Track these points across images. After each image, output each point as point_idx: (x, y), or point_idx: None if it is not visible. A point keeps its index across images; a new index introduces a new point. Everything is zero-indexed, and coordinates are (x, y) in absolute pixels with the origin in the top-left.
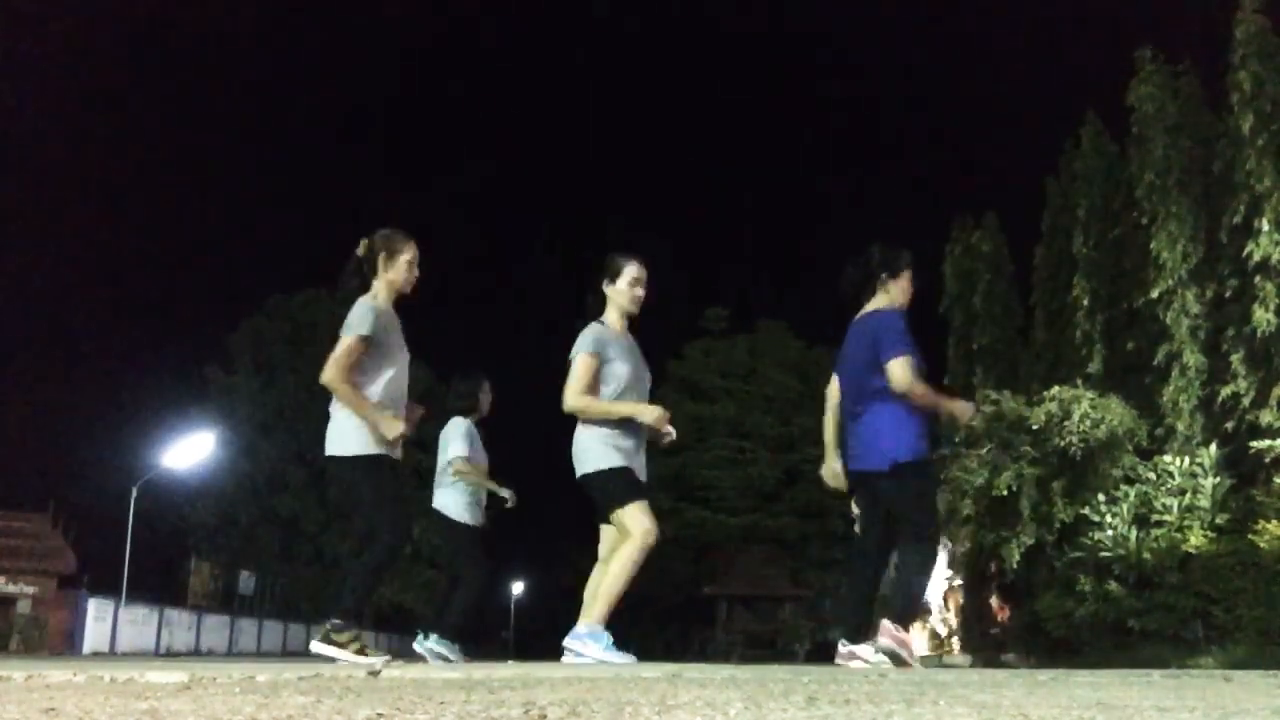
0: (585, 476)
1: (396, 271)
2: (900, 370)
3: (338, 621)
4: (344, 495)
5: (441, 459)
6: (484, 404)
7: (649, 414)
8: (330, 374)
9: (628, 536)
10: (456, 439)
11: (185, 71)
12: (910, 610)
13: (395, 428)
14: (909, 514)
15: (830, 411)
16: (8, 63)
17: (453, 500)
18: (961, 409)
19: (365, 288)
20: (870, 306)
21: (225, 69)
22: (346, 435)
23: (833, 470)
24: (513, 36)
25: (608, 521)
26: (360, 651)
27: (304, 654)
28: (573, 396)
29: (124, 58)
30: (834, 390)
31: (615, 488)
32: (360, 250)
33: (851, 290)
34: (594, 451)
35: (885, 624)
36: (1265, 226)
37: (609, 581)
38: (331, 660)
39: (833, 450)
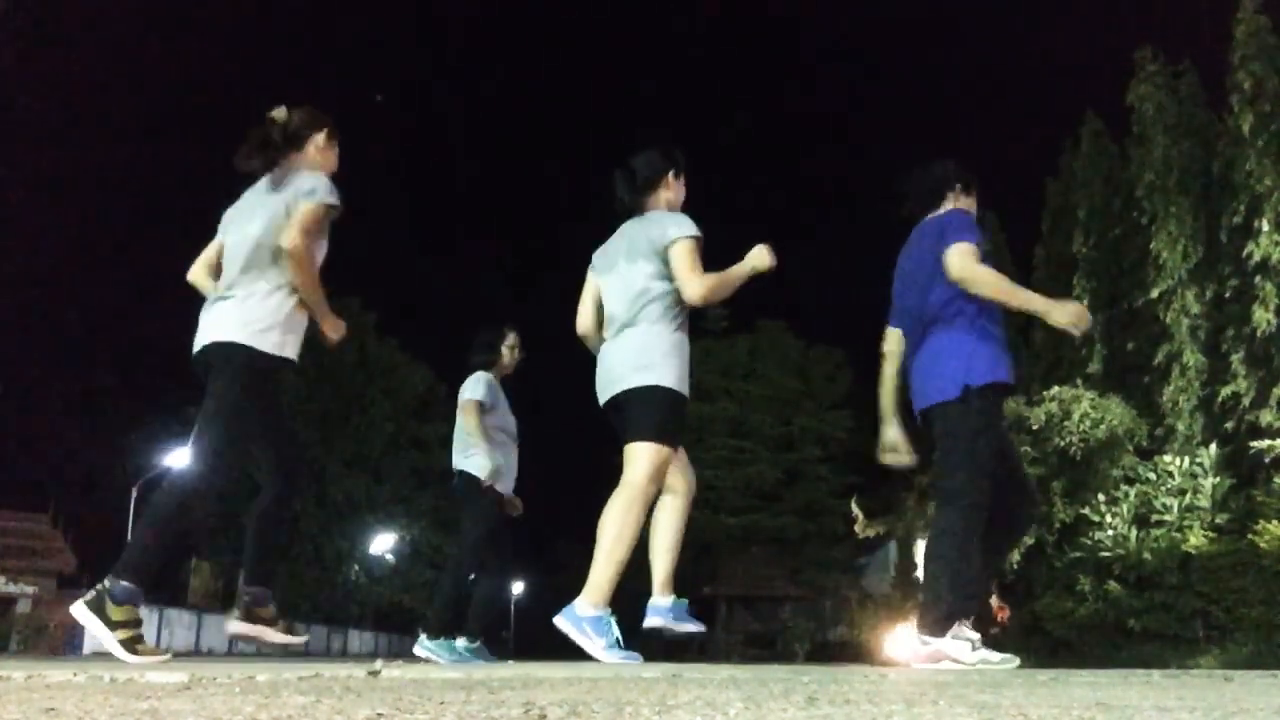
0: (655, 389)
1: (331, 159)
2: (958, 257)
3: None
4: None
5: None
6: (507, 358)
7: (762, 257)
8: (297, 240)
9: (640, 481)
10: (470, 386)
11: (187, 66)
12: (933, 610)
13: (339, 327)
14: (948, 462)
15: (890, 365)
16: (11, 56)
17: (477, 464)
18: (1065, 312)
19: (268, 169)
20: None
21: (226, 64)
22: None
23: (891, 440)
24: (513, 36)
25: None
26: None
27: (303, 654)
28: (698, 279)
29: (130, 49)
30: (893, 340)
31: (676, 421)
32: (280, 117)
33: (916, 202)
34: (674, 367)
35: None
36: (1265, 226)
37: (622, 546)
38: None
39: (891, 415)
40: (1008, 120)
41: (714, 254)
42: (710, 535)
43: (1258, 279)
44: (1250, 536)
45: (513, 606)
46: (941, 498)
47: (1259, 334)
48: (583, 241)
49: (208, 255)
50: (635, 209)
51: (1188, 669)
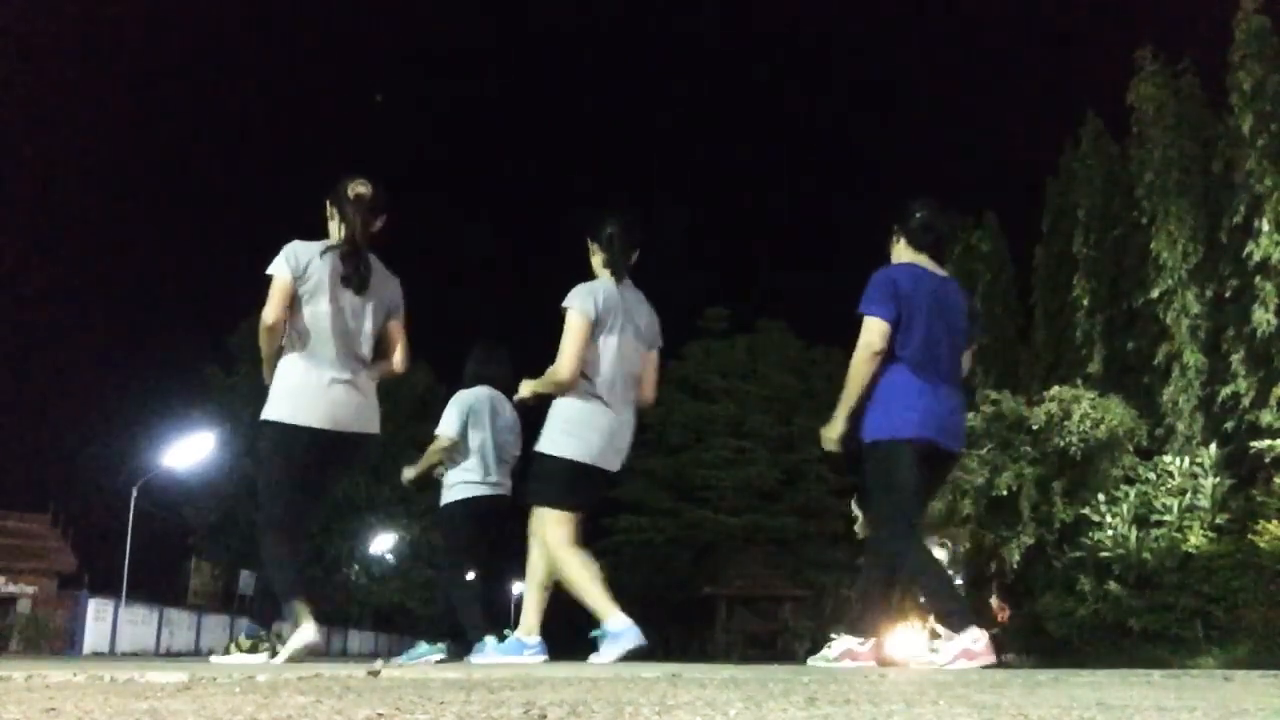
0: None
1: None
2: (971, 361)
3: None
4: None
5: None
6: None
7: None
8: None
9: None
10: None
11: (186, 69)
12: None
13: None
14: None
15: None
16: (8, 57)
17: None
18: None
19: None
20: (936, 268)
21: (226, 67)
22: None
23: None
24: (511, 38)
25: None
26: None
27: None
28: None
29: (126, 54)
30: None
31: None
32: (369, 196)
33: (942, 241)
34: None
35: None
36: (1265, 226)
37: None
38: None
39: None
40: (1008, 120)
41: (714, 252)
42: (710, 535)
43: (1258, 279)
44: (1250, 536)
45: (512, 607)
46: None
47: (1259, 334)
48: (582, 240)
49: (289, 304)
50: (624, 273)
51: (1188, 669)
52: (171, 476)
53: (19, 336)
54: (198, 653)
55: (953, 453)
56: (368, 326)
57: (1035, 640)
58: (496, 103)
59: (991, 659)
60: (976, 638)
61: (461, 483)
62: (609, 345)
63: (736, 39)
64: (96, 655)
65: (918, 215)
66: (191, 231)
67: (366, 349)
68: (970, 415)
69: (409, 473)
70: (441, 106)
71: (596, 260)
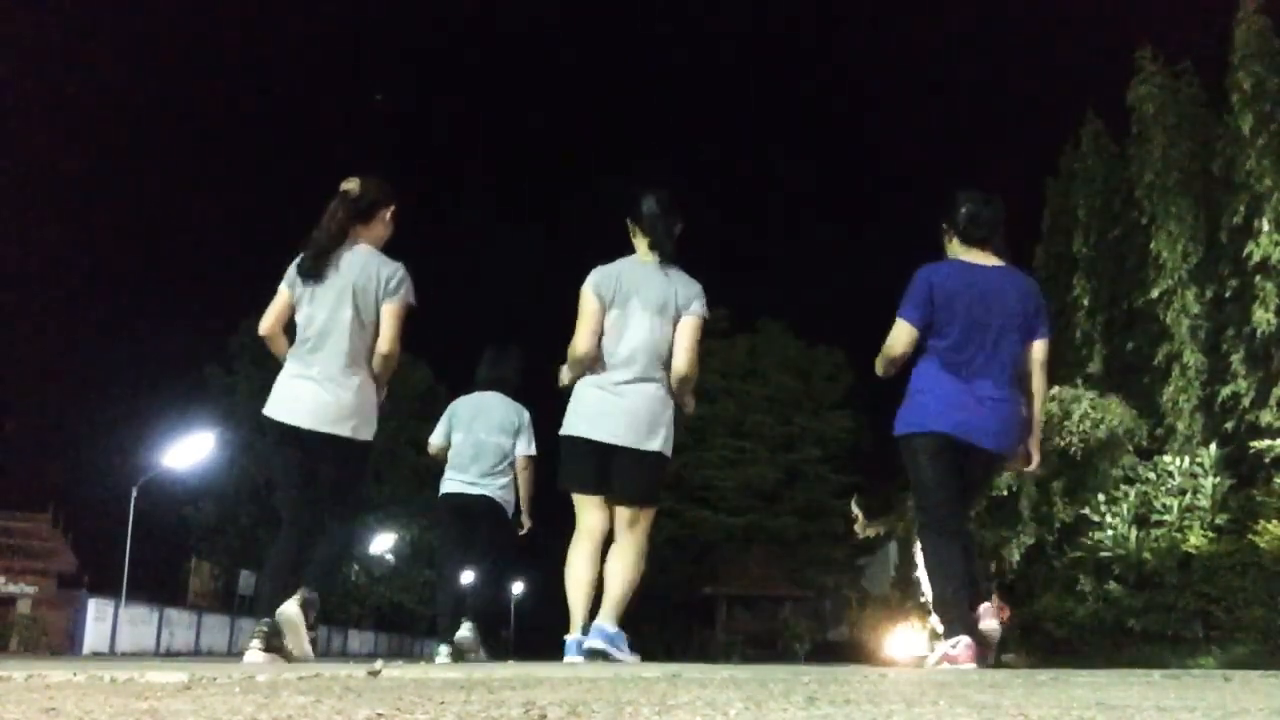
0: (665, 459)
1: (387, 228)
2: (1044, 353)
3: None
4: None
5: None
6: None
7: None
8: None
9: (643, 532)
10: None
11: (186, 69)
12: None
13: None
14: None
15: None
16: (7, 58)
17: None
18: None
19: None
20: (992, 260)
21: (225, 66)
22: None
23: None
24: (513, 38)
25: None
26: None
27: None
28: (694, 358)
29: (126, 52)
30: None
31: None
32: (354, 191)
33: (992, 232)
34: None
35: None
36: (1265, 226)
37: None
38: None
39: None
40: (1008, 120)
41: (711, 250)
42: (710, 535)
43: (1258, 279)
44: (1250, 536)
45: (512, 606)
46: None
47: (1259, 334)
48: (584, 241)
49: (281, 313)
50: (669, 251)
51: (1188, 669)
52: (171, 476)
53: (19, 336)
54: (198, 653)
55: (986, 450)
56: (345, 316)
57: (1035, 640)
58: (503, 101)
59: (970, 665)
60: (955, 643)
61: (445, 480)
62: (622, 321)
63: (736, 39)
64: (96, 655)
65: (964, 210)
66: (192, 231)
67: (343, 343)
68: None
69: None
70: (441, 106)
71: (639, 242)
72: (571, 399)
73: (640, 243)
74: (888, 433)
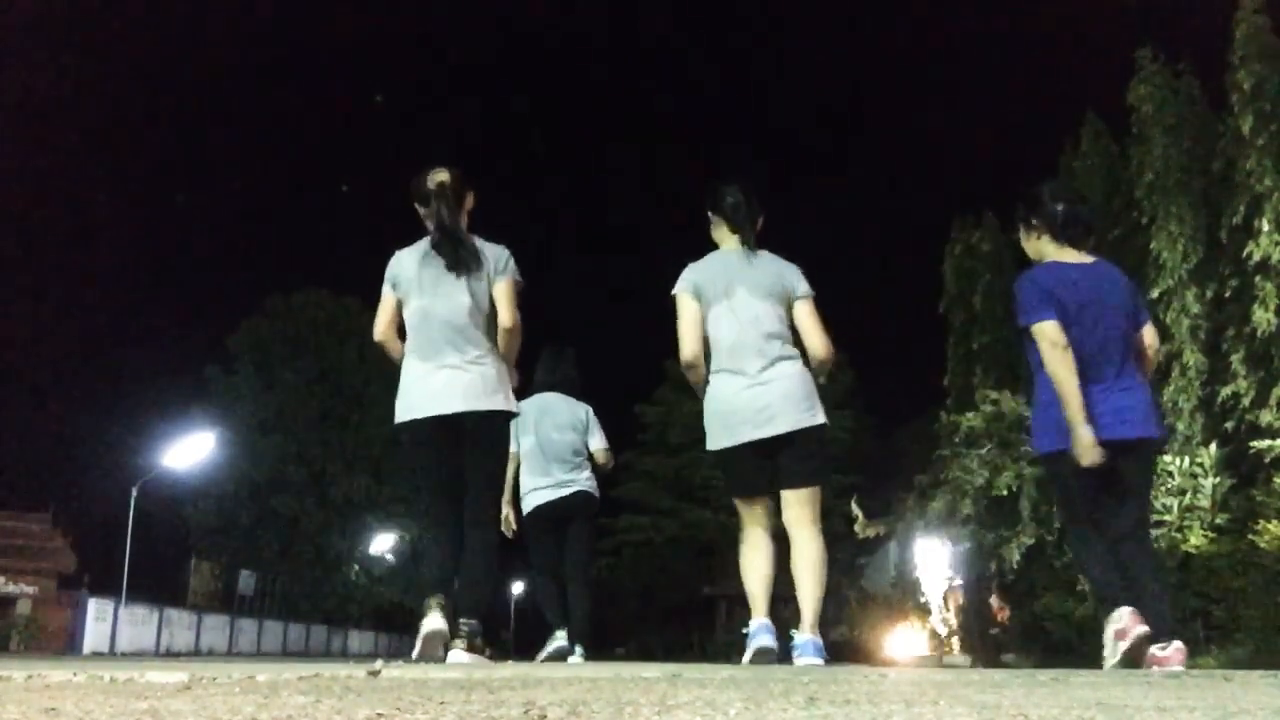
0: (825, 428)
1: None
2: (1152, 335)
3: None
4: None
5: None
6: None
7: None
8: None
9: (816, 521)
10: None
11: (186, 70)
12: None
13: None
14: (1147, 494)
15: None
16: (8, 59)
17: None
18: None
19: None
20: (1082, 258)
21: (226, 67)
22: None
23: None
24: (514, 39)
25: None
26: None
27: (303, 654)
28: (828, 338)
29: (127, 54)
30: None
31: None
32: (450, 181)
33: (1091, 228)
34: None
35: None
36: (1265, 226)
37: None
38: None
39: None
40: (1008, 120)
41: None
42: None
43: (1258, 279)
44: (1250, 536)
45: (512, 606)
46: (1146, 526)
47: (1259, 334)
48: (585, 241)
49: (392, 315)
50: (752, 240)
51: (1188, 669)
52: (172, 476)
53: (19, 336)
54: (198, 653)
55: (1138, 440)
56: (467, 303)
57: (1035, 640)
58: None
59: (1142, 629)
60: (1119, 616)
61: (529, 491)
62: (732, 312)
63: (735, 39)
64: (96, 655)
65: (1060, 208)
66: (192, 231)
67: (468, 328)
68: (970, 415)
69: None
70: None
71: (719, 233)
72: (710, 407)
73: (723, 233)
74: (888, 433)
